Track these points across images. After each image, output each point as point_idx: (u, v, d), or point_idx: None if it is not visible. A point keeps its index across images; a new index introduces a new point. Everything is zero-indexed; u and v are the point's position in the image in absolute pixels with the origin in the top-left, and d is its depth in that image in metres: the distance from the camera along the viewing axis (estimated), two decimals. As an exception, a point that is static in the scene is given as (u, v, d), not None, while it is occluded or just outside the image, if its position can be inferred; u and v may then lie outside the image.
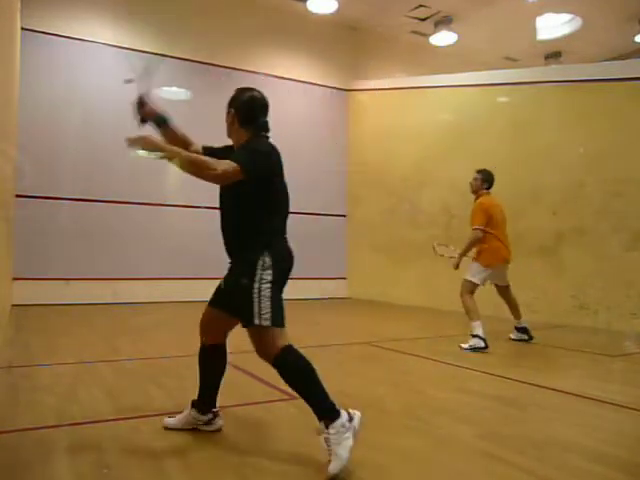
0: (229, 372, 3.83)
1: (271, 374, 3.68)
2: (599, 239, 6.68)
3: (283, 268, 2.35)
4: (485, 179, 5.31)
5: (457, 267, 5.17)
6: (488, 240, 5.12)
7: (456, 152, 8.85)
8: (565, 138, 7.27)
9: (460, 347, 4.88)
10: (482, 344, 4.78)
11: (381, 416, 2.84)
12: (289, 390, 3.20)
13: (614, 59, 10.93)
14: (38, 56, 8.30)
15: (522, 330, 5.41)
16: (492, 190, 5.34)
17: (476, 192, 5.35)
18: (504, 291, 5.39)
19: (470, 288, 5.09)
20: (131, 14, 9.10)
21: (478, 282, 5.10)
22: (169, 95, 9.50)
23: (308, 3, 9.95)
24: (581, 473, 2.10)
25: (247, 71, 10.07)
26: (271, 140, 2.59)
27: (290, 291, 9.17)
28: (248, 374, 3.71)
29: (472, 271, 5.13)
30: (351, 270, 10.86)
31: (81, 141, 8.58)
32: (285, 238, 2.43)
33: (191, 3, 9.54)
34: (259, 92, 2.65)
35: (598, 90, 6.98)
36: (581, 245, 6.91)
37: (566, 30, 11.17)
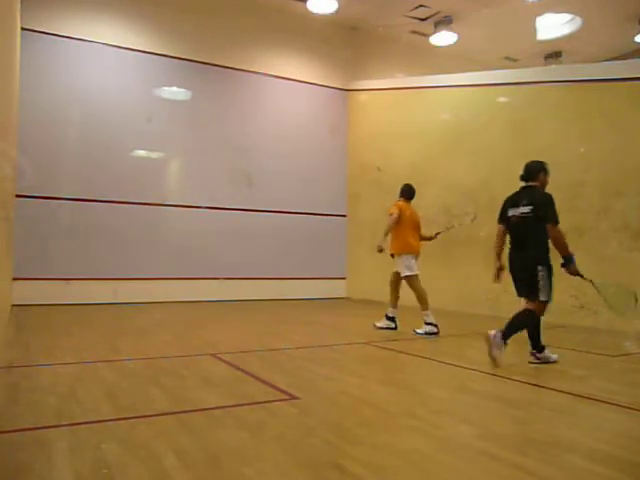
0: (229, 372, 3.85)
1: (271, 374, 3.70)
2: (599, 239, 6.68)
3: (510, 264, 4.26)
4: (400, 190, 6.32)
5: (381, 250, 5.86)
6: (400, 233, 5.95)
7: (456, 152, 8.86)
8: (565, 138, 7.27)
9: (415, 332, 5.74)
10: (435, 329, 5.74)
11: (381, 416, 2.84)
12: (289, 390, 3.22)
13: (614, 59, 10.93)
14: (38, 56, 8.31)
15: (391, 319, 6.07)
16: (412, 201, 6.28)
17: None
18: (399, 280, 6.02)
19: (415, 279, 5.87)
20: (131, 14, 9.11)
21: (414, 272, 5.88)
22: (169, 95, 9.51)
23: (308, 3, 9.95)
24: (581, 473, 2.10)
25: (247, 71, 10.09)
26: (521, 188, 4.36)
27: (290, 291, 9.25)
28: (248, 374, 3.71)
29: (404, 266, 5.87)
30: (351, 270, 10.86)
31: (81, 141, 8.59)
32: (512, 250, 4.26)
33: (191, 3, 9.54)
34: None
35: (598, 90, 6.98)
36: (581, 245, 6.89)
37: (566, 30, 11.16)
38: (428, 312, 5.78)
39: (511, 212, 4.26)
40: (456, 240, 8.73)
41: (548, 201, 4.05)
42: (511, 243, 4.31)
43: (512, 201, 4.29)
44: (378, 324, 6.11)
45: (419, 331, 5.74)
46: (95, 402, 2.95)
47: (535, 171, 4.27)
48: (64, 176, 8.46)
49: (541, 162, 4.33)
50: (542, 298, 4.03)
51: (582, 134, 7.04)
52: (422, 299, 5.81)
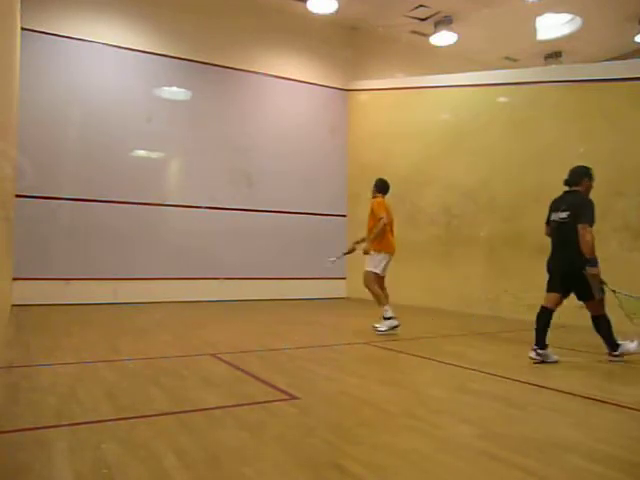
0: (229, 372, 3.85)
1: (271, 374, 3.70)
2: (599, 239, 6.64)
3: (548, 266, 4.44)
4: (375, 186, 6.20)
5: (367, 252, 5.95)
6: (386, 232, 5.93)
7: (456, 152, 8.86)
8: (565, 138, 7.27)
9: (376, 330, 5.68)
10: (396, 322, 5.69)
11: (381, 416, 2.84)
12: (289, 390, 3.23)
13: (614, 59, 10.93)
14: (38, 56, 8.31)
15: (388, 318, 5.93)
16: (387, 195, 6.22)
17: (373, 197, 6.21)
18: (382, 281, 6.04)
19: (374, 278, 5.87)
20: (131, 14, 9.11)
21: (380, 272, 5.88)
22: (169, 95, 9.51)
23: (308, 3, 9.95)
24: (581, 473, 2.10)
25: (247, 71, 10.09)
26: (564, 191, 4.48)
27: (290, 291, 9.26)
28: (248, 374, 3.71)
29: (374, 262, 5.86)
30: (351, 270, 10.85)
31: (81, 141, 8.59)
32: (553, 253, 4.44)
33: (191, 3, 9.54)
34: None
35: (598, 90, 6.98)
36: (581, 245, 6.90)
37: (566, 30, 11.16)
38: (387, 307, 5.74)
39: (553, 216, 4.43)
40: (456, 240, 8.75)
41: (585, 205, 4.19)
42: (552, 245, 4.47)
43: (555, 205, 4.45)
44: (377, 325, 6.05)
45: (381, 328, 5.66)
46: (95, 402, 2.95)
47: (579, 176, 4.36)
48: (64, 176, 8.45)
49: (586, 167, 4.39)
50: (597, 297, 4.22)
51: (582, 134, 7.04)
52: (378, 298, 5.80)
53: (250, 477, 1.99)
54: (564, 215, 4.26)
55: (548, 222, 4.51)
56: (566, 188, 4.44)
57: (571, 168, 4.43)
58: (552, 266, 4.40)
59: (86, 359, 4.18)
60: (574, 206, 4.21)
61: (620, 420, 2.89)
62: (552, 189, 7.35)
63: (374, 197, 6.14)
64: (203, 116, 9.63)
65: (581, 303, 4.41)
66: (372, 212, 6.00)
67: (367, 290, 5.93)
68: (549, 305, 4.32)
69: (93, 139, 8.65)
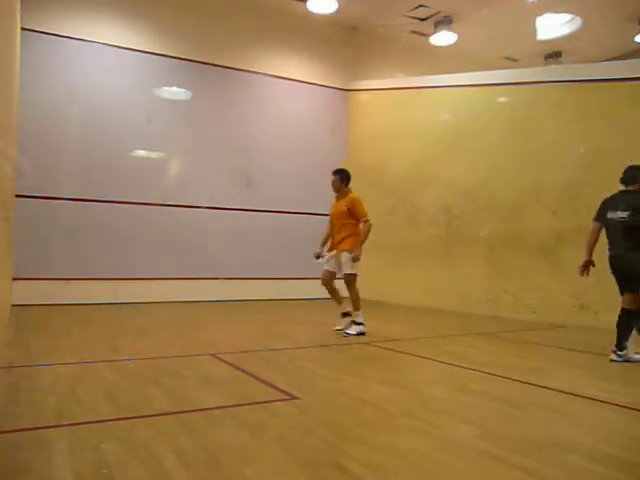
0: (229, 372, 3.85)
1: (271, 374, 3.70)
2: (599, 239, 6.67)
3: (611, 265, 4.46)
4: (342, 178, 5.75)
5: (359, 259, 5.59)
6: (356, 230, 5.64)
7: (456, 152, 8.86)
8: (565, 138, 7.27)
9: (346, 334, 5.54)
10: (364, 329, 5.57)
11: (381, 416, 2.84)
12: (289, 390, 3.23)
13: (614, 59, 10.93)
14: (38, 56, 8.30)
15: (346, 314, 5.78)
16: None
17: (339, 190, 5.80)
18: (333, 278, 5.85)
19: (355, 280, 5.61)
20: (131, 14, 9.10)
21: (356, 272, 5.63)
22: (169, 95, 9.51)
23: (308, 3, 9.94)
24: (581, 473, 2.10)
25: (247, 71, 10.09)
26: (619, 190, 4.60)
27: (290, 291, 9.20)
28: (248, 374, 3.71)
29: (351, 264, 5.57)
30: (351, 270, 10.86)
31: (81, 141, 8.59)
32: (613, 251, 4.47)
33: (191, 3, 9.54)
34: None
35: (598, 90, 6.98)
36: (581, 245, 6.87)
37: (566, 30, 11.16)
38: (360, 312, 5.60)
39: (610, 214, 4.52)
40: (456, 240, 8.75)
41: None
42: (610, 244, 4.54)
43: (611, 204, 4.55)
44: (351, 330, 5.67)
45: (350, 332, 5.53)
46: (95, 402, 2.95)
47: (634, 176, 4.52)
48: (64, 176, 8.45)
49: None
50: None
51: (582, 134, 7.04)
52: (358, 300, 5.60)
53: (250, 477, 1.99)
54: (624, 215, 4.37)
55: (598, 219, 4.61)
56: (622, 187, 4.56)
57: (626, 167, 4.56)
58: (614, 264, 4.46)
59: (86, 359, 4.18)
60: (635, 207, 4.34)
61: (620, 420, 2.89)
62: (552, 189, 7.40)
63: (344, 191, 5.71)
64: (203, 116, 9.63)
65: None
66: (351, 209, 5.58)
67: (352, 293, 5.62)
68: (628, 306, 4.37)
69: (93, 139, 8.65)
